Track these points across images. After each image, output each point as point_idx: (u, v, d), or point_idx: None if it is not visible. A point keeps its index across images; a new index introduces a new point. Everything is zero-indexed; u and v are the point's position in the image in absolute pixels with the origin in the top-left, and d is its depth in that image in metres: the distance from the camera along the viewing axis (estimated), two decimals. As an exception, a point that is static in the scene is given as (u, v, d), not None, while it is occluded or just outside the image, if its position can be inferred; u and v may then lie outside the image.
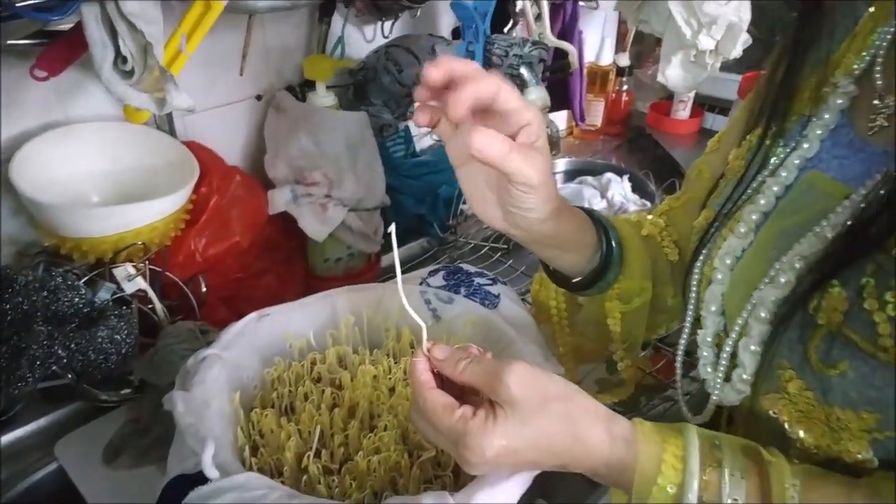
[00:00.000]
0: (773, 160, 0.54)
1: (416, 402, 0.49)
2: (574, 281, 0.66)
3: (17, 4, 0.49)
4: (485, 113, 0.50)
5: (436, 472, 0.61)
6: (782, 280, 0.47)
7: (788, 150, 0.53)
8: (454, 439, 0.46)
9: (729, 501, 0.43)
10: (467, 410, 0.46)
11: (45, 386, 0.78)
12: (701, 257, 0.57)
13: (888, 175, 0.44)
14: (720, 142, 0.66)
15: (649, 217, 0.71)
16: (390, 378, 0.69)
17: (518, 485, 0.52)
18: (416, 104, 0.52)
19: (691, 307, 0.58)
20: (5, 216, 0.81)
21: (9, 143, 0.80)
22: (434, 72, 0.48)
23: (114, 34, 0.63)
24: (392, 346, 0.74)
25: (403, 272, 1.06)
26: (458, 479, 0.61)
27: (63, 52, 0.71)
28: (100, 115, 0.86)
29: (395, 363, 0.72)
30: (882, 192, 0.44)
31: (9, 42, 0.64)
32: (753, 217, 0.52)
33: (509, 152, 0.47)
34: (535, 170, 0.49)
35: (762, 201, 0.52)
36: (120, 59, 0.65)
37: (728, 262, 0.53)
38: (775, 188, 0.52)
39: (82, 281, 0.76)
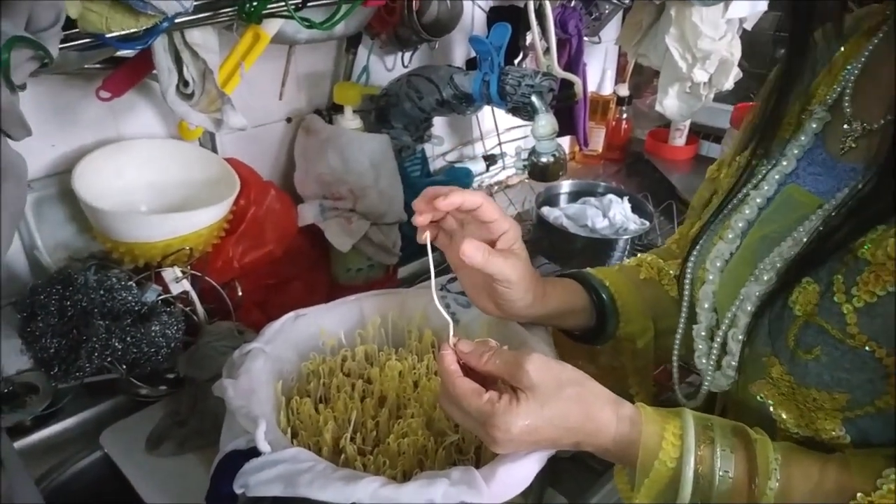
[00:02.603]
0: (757, 177, 0.62)
1: (446, 388, 0.55)
2: (581, 337, 0.76)
3: (108, 35, 0.56)
4: (471, 225, 0.63)
5: (458, 457, 0.68)
6: (765, 278, 0.54)
7: (770, 167, 0.61)
8: (483, 420, 0.52)
9: (720, 473, 0.50)
10: (493, 395, 0.52)
11: (91, 381, 0.84)
12: (692, 261, 0.65)
13: (855, 189, 0.52)
14: (719, 169, 0.73)
15: (648, 259, 0.79)
16: (415, 373, 0.76)
17: (535, 461, 0.58)
18: (418, 227, 0.63)
19: (685, 305, 0.66)
20: (60, 223, 0.88)
21: (66, 158, 0.87)
22: (421, 204, 0.61)
23: (178, 61, 0.72)
24: (415, 345, 0.81)
25: (424, 280, 1.13)
26: (479, 461, 0.67)
27: (127, 76, 0.79)
28: (149, 133, 0.93)
29: (419, 361, 0.78)
30: (849, 202, 0.51)
31: (85, 66, 0.71)
32: (740, 225, 0.60)
33: (490, 257, 0.59)
34: (512, 269, 0.61)
35: (747, 211, 0.60)
36: (182, 83, 0.73)
37: (718, 264, 0.61)
38: (758, 200, 0.60)
39: (133, 282, 0.83)
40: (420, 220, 0.61)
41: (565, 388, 0.53)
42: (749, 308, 0.55)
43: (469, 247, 0.58)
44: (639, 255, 0.81)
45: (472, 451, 0.68)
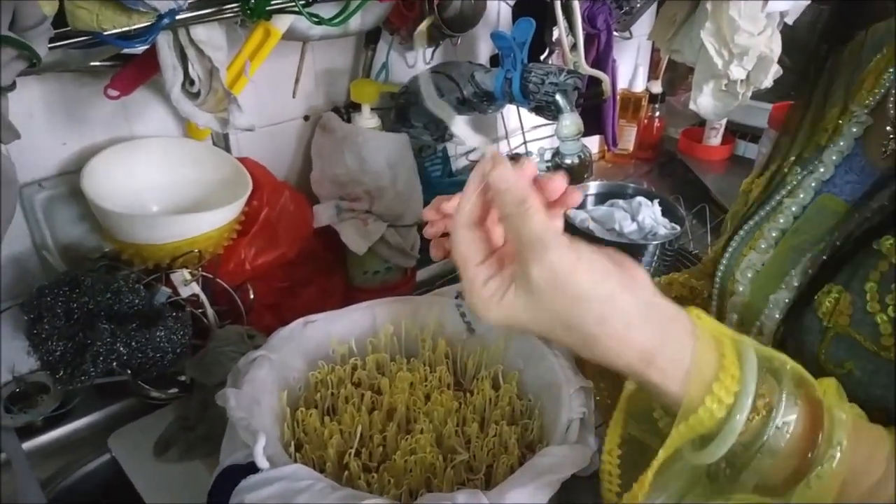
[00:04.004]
0: (791, 184, 0.59)
1: (452, 231, 0.46)
2: None
3: (106, 33, 0.54)
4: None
5: (468, 476, 0.65)
6: (795, 284, 0.52)
7: (805, 173, 0.58)
8: (468, 288, 0.44)
9: (778, 425, 0.41)
10: (480, 274, 0.44)
11: (100, 382, 0.84)
12: (721, 271, 0.62)
13: (892, 193, 0.49)
14: (753, 182, 0.70)
15: (680, 278, 0.75)
16: (426, 385, 0.73)
17: (549, 486, 0.55)
18: (430, 241, 0.56)
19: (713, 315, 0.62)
20: (71, 222, 0.87)
21: (77, 156, 0.86)
22: (431, 212, 0.54)
23: (184, 59, 0.69)
24: (428, 355, 0.78)
25: (439, 286, 1.10)
26: (490, 482, 0.64)
27: (135, 73, 0.77)
28: (161, 132, 0.92)
29: (431, 372, 0.75)
30: (885, 204, 0.48)
31: (91, 63, 0.69)
32: (773, 234, 0.58)
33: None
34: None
35: (781, 220, 0.58)
36: (188, 81, 0.71)
37: (749, 275, 0.58)
38: (793, 208, 0.57)
39: (141, 284, 0.81)
40: (431, 231, 0.56)
41: (574, 316, 0.41)
42: (777, 315, 0.53)
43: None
44: (671, 274, 0.77)
45: (483, 470, 0.65)
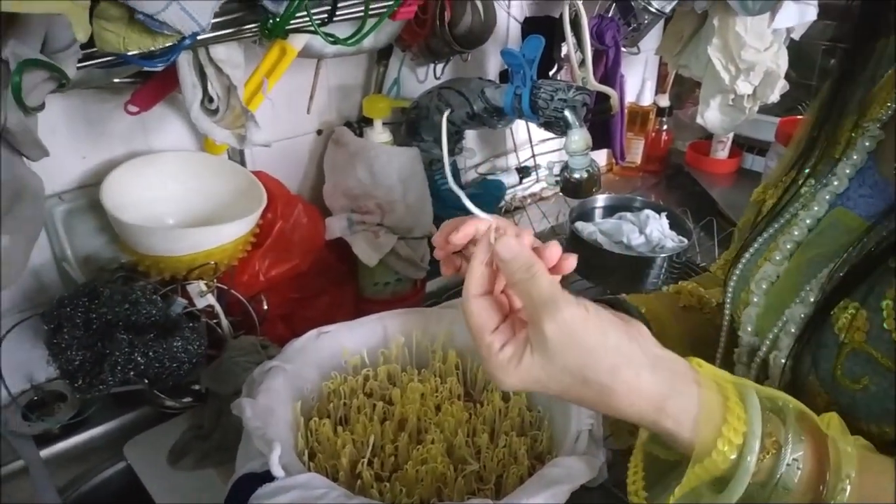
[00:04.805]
0: (804, 196, 0.60)
1: (463, 300, 0.48)
2: None
3: (129, 53, 0.56)
4: None
5: (478, 486, 0.66)
6: (811, 300, 0.52)
7: (819, 186, 0.58)
8: (485, 356, 0.46)
9: (788, 465, 0.42)
10: (496, 342, 0.46)
11: (117, 391, 0.85)
12: (734, 281, 0.62)
13: None
14: (764, 192, 0.70)
15: (688, 286, 0.75)
16: (437, 396, 0.74)
17: (557, 497, 0.56)
18: (440, 261, 0.57)
19: (725, 328, 0.63)
20: (90, 234, 0.89)
21: (97, 170, 0.88)
22: (440, 239, 0.55)
23: (203, 77, 0.71)
24: (438, 366, 0.79)
25: (447, 298, 1.11)
26: (500, 492, 0.65)
27: (154, 90, 0.79)
28: (178, 146, 0.94)
29: (442, 383, 0.77)
30: None
31: (114, 80, 0.71)
32: (788, 246, 0.58)
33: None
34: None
35: (796, 232, 0.58)
36: (207, 98, 0.72)
37: (764, 286, 0.58)
38: (808, 220, 0.57)
39: (158, 295, 0.83)
40: (440, 254, 0.57)
41: (589, 368, 0.43)
42: (793, 330, 0.52)
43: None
44: (679, 283, 0.78)
45: (493, 480, 0.66)
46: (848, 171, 0.57)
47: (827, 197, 0.57)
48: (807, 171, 0.61)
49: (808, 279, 0.54)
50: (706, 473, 0.44)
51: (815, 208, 0.57)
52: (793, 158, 0.63)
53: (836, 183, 0.57)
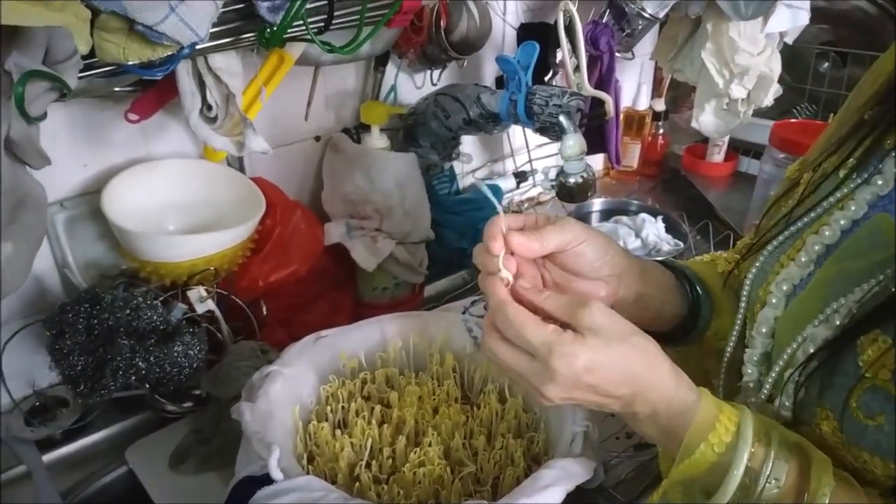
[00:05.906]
0: (843, 190, 0.52)
1: (501, 316, 0.49)
2: (670, 331, 0.65)
3: (129, 63, 0.57)
4: None
5: (475, 487, 0.67)
6: (836, 323, 0.47)
7: (860, 181, 0.51)
8: (546, 350, 0.46)
9: (770, 480, 0.44)
10: (549, 325, 0.47)
11: (118, 396, 0.86)
12: (752, 275, 0.58)
13: None
14: (800, 170, 0.61)
15: (724, 255, 0.71)
16: (434, 399, 0.75)
17: (554, 495, 0.57)
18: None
19: (738, 324, 0.59)
20: (91, 241, 0.90)
21: (98, 177, 0.89)
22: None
23: (202, 85, 0.72)
24: (435, 369, 0.80)
25: (446, 302, 1.12)
26: (497, 493, 0.66)
27: (154, 99, 0.80)
28: (178, 153, 0.95)
29: (439, 386, 0.77)
30: None
31: (115, 89, 0.72)
32: (816, 248, 0.51)
33: (542, 232, 0.53)
34: (572, 226, 0.55)
35: (827, 233, 0.51)
36: (206, 106, 0.73)
37: (784, 288, 0.53)
38: (842, 221, 0.50)
39: (159, 301, 0.84)
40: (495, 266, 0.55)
41: (631, 336, 0.48)
42: (811, 349, 0.48)
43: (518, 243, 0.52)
44: (711, 253, 0.73)
45: (490, 482, 0.67)
46: None
47: (868, 197, 0.49)
48: (852, 161, 0.52)
49: (837, 296, 0.48)
50: (693, 467, 0.46)
51: (853, 208, 0.50)
52: (835, 144, 0.54)
53: (880, 182, 0.49)
